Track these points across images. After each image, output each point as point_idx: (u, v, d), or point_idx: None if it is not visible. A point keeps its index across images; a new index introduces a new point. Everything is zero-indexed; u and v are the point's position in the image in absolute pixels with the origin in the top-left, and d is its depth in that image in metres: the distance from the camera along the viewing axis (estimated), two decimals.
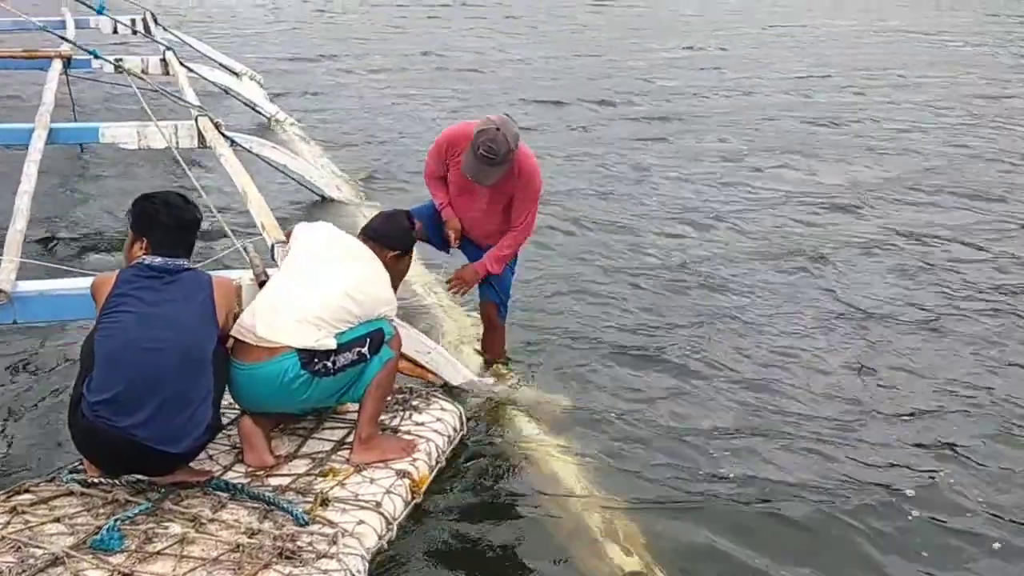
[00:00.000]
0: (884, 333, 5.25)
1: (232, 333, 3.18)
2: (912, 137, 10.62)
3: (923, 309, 5.64)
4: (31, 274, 3.66)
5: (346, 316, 3.22)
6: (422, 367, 3.94)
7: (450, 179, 4.23)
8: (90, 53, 7.33)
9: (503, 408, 4.14)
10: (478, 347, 4.68)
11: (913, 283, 6.06)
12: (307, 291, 3.23)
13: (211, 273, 3.23)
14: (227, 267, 3.85)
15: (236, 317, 3.23)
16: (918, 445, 4.07)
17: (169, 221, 3.09)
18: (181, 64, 8.91)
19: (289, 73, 13.42)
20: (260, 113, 9.86)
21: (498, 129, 3.81)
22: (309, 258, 3.37)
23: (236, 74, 11.73)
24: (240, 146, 6.47)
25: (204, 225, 3.44)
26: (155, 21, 11.29)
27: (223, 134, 6.20)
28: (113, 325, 2.92)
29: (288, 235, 3.68)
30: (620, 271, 6.09)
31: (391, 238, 3.55)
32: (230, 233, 4.06)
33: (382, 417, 3.40)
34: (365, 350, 3.22)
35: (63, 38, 7.91)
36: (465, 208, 4.24)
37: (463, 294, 4.39)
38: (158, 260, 3.03)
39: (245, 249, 3.71)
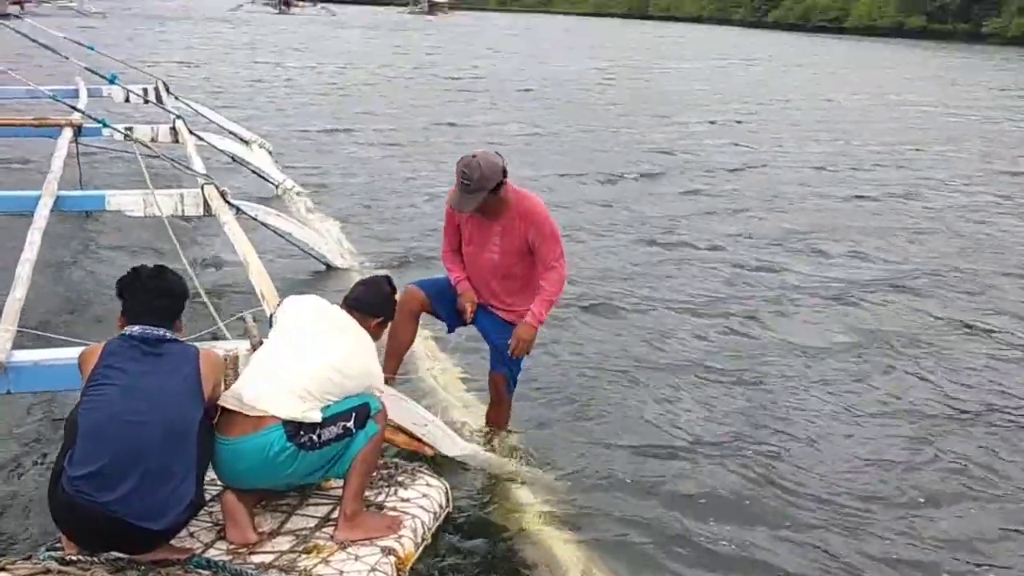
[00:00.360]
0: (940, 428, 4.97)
1: (219, 402, 3.12)
2: (946, 216, 10.59)
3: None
4: (28, 343, 3.62)
5: (332, 389, 3.16)
6: (418, 440, 3.85)
7: (464, 239, 4.23)
8: (99, 122, 7.40)
9: (501, 481, 4.04)
10: (481, 418, 4.58)
11: (976, 379, 5.71)
12: (294, 363, 3.18)
13: (198, 345, 3.19)
14: (225, 337, 3.82)
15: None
16: None
17: (143, 291, 3.05)
18: (190, 132, 9.00)
19: (300, 142, 13.63)
20: (268, 181, 9.92)
21: (474, 156, 3.92)
22: (297, 330, 3.32)
23: (246, 142, 11.88)
24: (245, 214, 6.50)
25: (199, 294, 3.40)
26: (167, 90, 11.51)
27: (228, 202, 6.23)
28: (97, 398, 2.86)
29: (279, 306, 3.64)
30: (639, 355, 5.83)
31: (373, 305, 3.49)
32: (208, 306, 4.01)
33: (367, 493, 3.31)
34: (351, 424, 3.15)
35: (72, 107, 8.00)
36: (480, 265, 4.21)
37: (527, 354, 4.25)
38: (137, 329, 2.99)
39: (243, 319, 3.67)
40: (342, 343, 3.27)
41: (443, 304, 4.31)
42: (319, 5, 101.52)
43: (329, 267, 7.15)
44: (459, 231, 4.27)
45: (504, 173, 3.95)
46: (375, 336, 3.46)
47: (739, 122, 18.38)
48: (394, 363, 4.30)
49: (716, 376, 5.50)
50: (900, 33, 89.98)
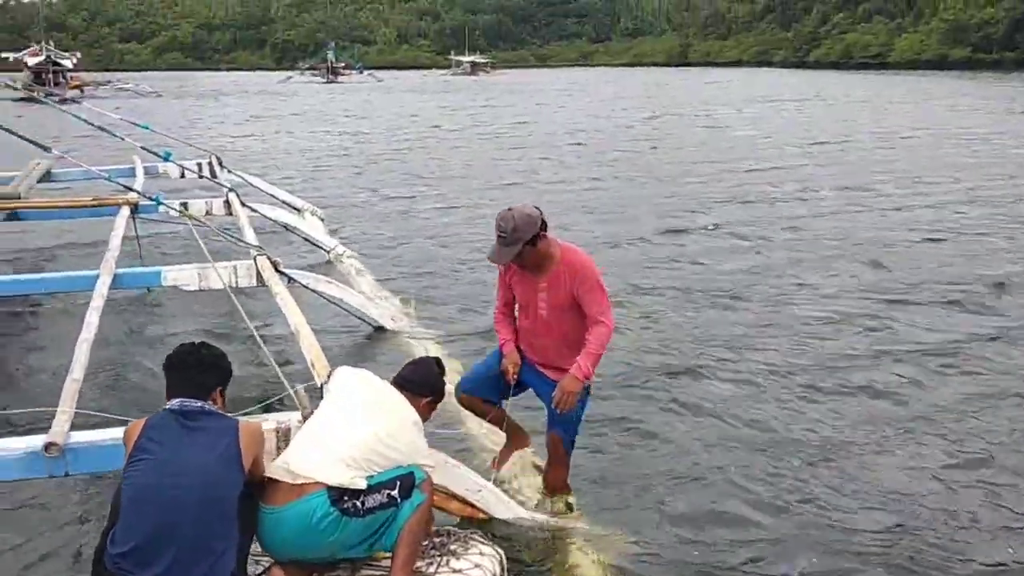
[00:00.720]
0: None
1: (267, 472, 3.12)
2: None
3: None
4: (86, 423, 3.66)
5: (379, 460, 3.16)
6: (472, 505, 3.79)
7: (516, 297, 4.24)
8: (153, 200, 7.60)
9: (559, 546, 3.94)
10: (538, 479, 4.49)
11: None
12: (343, 432, 3.20)
13: (243, 418, 3.20)
14: (277, 408, 3.83)
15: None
16: None
17: (181, 366, 3.13)
18: (243, 204, 9.18)
19: (352, 207, 13.86)
20: (319, 247, 10.10)
21: (509, 209, 3.97)
22: (348, 401, 3.35)
23: (298, 210, 12.15)
24: (297, 282, 6.59)
25: (253, 366, 3.41)
26: (220, 163, 11.81)
27: (281, 271, 6.32)
28: (135, 474, 2.90)
29: (330, 376, 3.66)
30: (707, 421, 5.51)
31: (422, 385, 3.55)
32: (267, 373, 4.03)
33: (418, 563, 3.25)
34: (395, 493, 3.14)
35: (127, 187, 8.22)
36: (530, 322, 4.19)
37: (571, 409, 4.11)
38: (176, 403, 3.05)
39: (294, 390, 3.69)
40: (392, 417, 3.29)
41: (486, 388, 4.32)
42: (365, 72, 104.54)
43: (381, 330, 7.18)
44: (510, 288, 4.27)
45: (543, 226, 3.95)
46: (424, 416, 3.47)
47: (801, 165, 18.03)
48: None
49: (790, 447, 5.12)
50: (944, 65, 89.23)
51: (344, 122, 33.31)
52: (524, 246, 3.92)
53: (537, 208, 4.01)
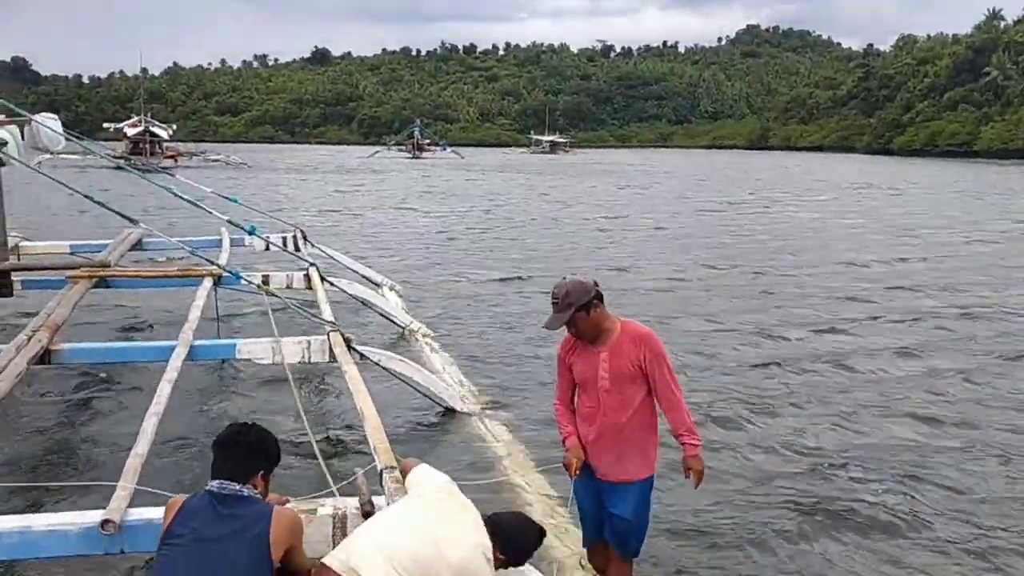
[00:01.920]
0: None
1: (324, 560, 3.02)
2: None
3: None
4: (146, 500, 3.63)
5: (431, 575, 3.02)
6: None
7: (576, 379, 4.14)
8: (233, 274, 7.76)
9: None
10: None
11: None
12: (407, 538, 3.06)
13: (275, 505, 3.12)
14: (334, 493, 3.76)
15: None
16: None
17: (225, 446, 3.12)
18: (322, 279, 9.32)
19: (430, 284, 13.95)
20: (395, 323, 10.17)
21: (565, 278, 4.07)
22: (423, 509, 3.20)
23: (377, 285, 12.34)
24: (369, 359, 6.59)
25: (317, 445, 3.33)
26: (304, 237, 12.07)
27: (353, 348, 6.34)
28: (163, 560, 2.89)
29: (404, 468, 3.54)
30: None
31: (510, 544, 3.27)
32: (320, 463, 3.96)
33: None
34: None
35: (209, 260, 8.41)
36: (590, 403, 4.07)
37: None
38: (215, 485, 3.02)
39: (354, 477, 3.62)
40: (461, 545, 3.10)
41: (594, 529, 4.24)
42: (449, 149, 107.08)
43: (451, 411, 7.10)
44: (569, 370, 4.18)
45: (597, 296, 3.98)
46: (494, 563, 3.22)
47: (904, 259, 17.12)
48: None
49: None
50: None
51: (428, 199, 33.95)
52: (576, 312, 3.94)
53: (593, 280, 4.04)
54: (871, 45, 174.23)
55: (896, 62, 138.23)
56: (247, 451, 3.11)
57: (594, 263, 16.18)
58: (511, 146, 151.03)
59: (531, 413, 7.21)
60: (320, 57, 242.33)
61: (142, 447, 4.05)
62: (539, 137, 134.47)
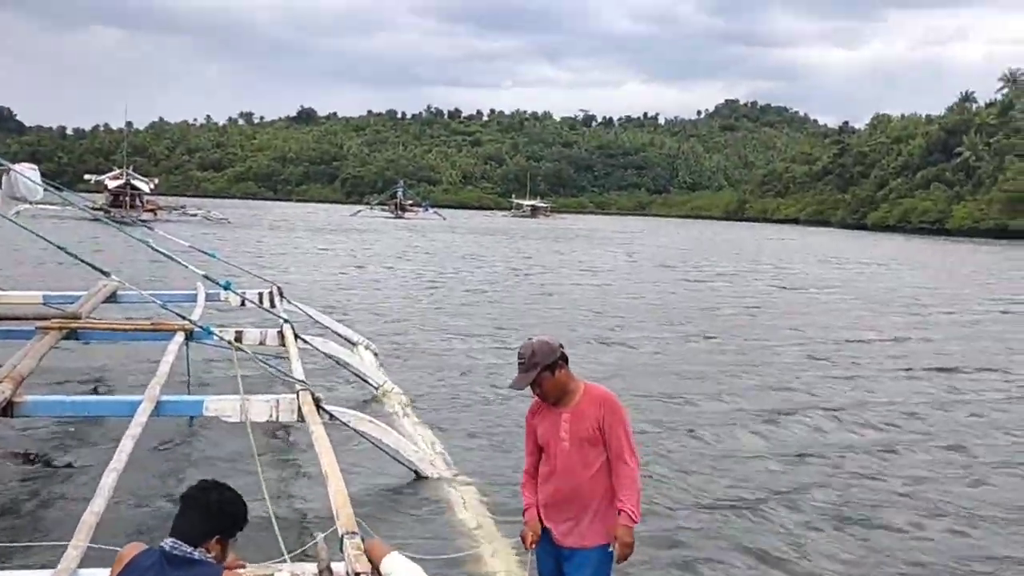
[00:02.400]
0: None
1: None
2: None
3: None
4: (100, 559, 3.53)
5: None
6: None
7: (540, 442, 4.12)
8: (203, 329, 7.69)
9: None
10: None
11: None
12: None
13: (225, 571, 3.03)
14: (286, 559, 3.69)
15: None
16: None
17: (186, 500, 3.05)
18: (296, 337, 9.26)
19: (407, 344, 13.87)
20: (368, 384, 10.09)
21: (530, 339, 4.10)
22: None
23: (353, 344, 12.25)
24: (339, 420, 6.52)
25: (280, 507, 3.26)
26: (280, 294, 12.02)
27: (322, 408, 6.27)
28: None
29: (372, 552, 3.51)
30: None
31: None
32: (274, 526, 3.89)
33: None
34: None
35: (182, 315, 8.34)
36: (551, 465, 4.03)
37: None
38: (168, 543, 2.94)
39: (315, 541, 3.56)
40: None
41: None
42: (431, 210, 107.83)
43: (419, 475, 7.00)
44: (535, 434, 4.16)
45: (562, 357, 4.01)
46: None
47: (898, 339, 16.58)
48: None
49: None
50: (1005, 235, 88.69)
51: (409, 259, 34.00)
52: (541, 372, 3.97)
53: (559, 343, 4.08)
54: (846, 123, 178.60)
55: (871, 140, 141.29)
56: (207, 511, 3.03)
57: (571, 327, 16.20)
58: (492, 209, 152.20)
59: (503, 480, 7.10)
60: (306, 116, 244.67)
61: (98, 504, 3.96)
62: (520, 201, 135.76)
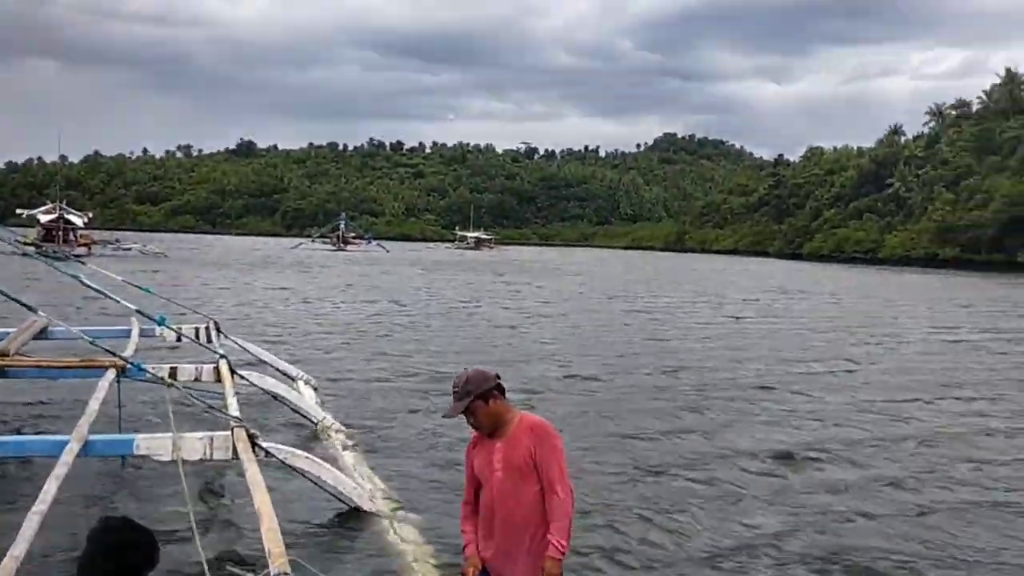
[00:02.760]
0: None
1: None
2: None
3: None
4: None
5: None
6: None
7: (477, 474, 4.10)
8: (133, 365, 7.52)
9: None
10: None
11: None
12: None
13: None
14: None
15: None
16: None
17: (91, 540, 2.84)
18: (232, 372, 9.10)
19: (347, 379, 13.66)
20: (307, 419, 9.95)
21: (466, 369, 4.15)
22: None
23: (292, 378, 12.07)
24: (275, 457, 6.40)
25: (210, 547, 3.17)
26: (217, 329, 11.81)
27: (258, 445, 6.15)
28: None
29: None
30: None
31: None
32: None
33: None
34: None
35: (111, 352, 8.15)
36: (487, 496, 4.01)
37: None
38: None
39: None
40: None
41: None
42: (374, 243, 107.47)
43: (358, 511, 6.90)
44: (472, 467, 4.14)
45: (497, 387, 4.00)
46: None
47: (850, 370, 16.43)
48: None
49: None
50: (934, 263, 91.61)
51: (352, 292, 33.71)
52: (474, 400, 3.95)
53: (496, 373, 4.08)
54: (781, 155, 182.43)
55: (805, 172, 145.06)
56: (111, 552, 2.84)
57: (518, 359, 16.19)
58: (436, 241, 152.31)
59: (443, 514, 7.03)
60: (245, 149, 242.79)
61: (20, 548, 3.82)
62: (464, 233, 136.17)
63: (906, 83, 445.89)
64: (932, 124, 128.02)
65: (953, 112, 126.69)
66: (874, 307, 33.54)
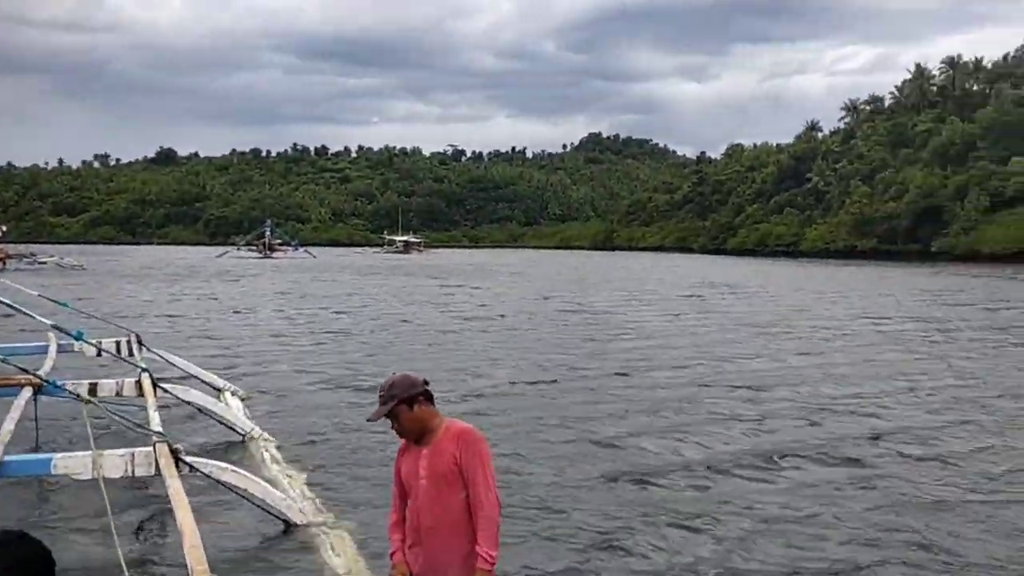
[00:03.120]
0: None
1: None
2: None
3: None
4: None
5: None
6: None
7: (404, 482, 4.04)
8: (49, 383, 7.30)
9: None
10: None
11: None
12: None
13: None
14: None
15: None
16: None
17: None
18: (155, 386, 8.91)
19: (276, 388, 13.36)
20: (234, 430, 9.76)
21: (394, 373, 4.09)
22: None
23: (218, 390, 11.84)
24: (200, 471, 6.27)
25: (132, 569, 3.09)
26: (139, 342, 11.54)
27: (182, 460, 6.02)
28: None
29: None
30: None
31: None
32: None
33: None
34: None
35: (23, 369, 7.90)
36: (413, 504, 3.95)
37: None
38: None
39: None
40: None
41: None
42: (301, 249, 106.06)
43: (289, 523, 6.79)
44: (399, 474, 4.08)
45: (424, 393, 3.93)
46: None
47: (793, 366, 16.39)
48: None
49: None
50: (853, 255, 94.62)
51: (280, 301, 33.09)
52: (398, 404, 3.88)
53: (424, 379, 4.01)
54: (703, 153, 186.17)
55: (727, 169, 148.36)
56: (8, 566, 2.74)
57: (450, 364, 16.01)
58: (364, 246, 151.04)
59: (376, 523, 6.94)
60: (165, 157, 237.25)
61: None
62: (392, 237, 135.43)
63: (821, 80, 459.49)
64: (847, 119, 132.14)
65: (867, 107, 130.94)
66: (807, 300, 34.18)
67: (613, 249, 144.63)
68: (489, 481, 3.91)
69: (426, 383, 3.99)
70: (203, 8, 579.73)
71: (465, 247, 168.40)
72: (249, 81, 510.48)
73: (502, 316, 26.43)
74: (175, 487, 5.25)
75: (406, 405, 3.91)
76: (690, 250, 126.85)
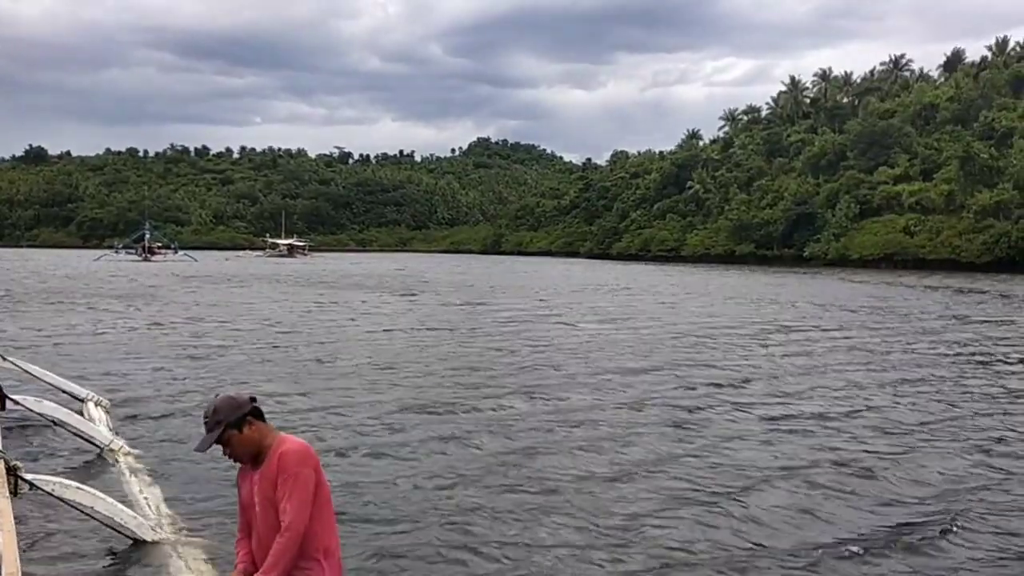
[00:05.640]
0: None
1: None
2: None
3: None
4: None
5: None
6: None
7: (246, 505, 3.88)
8: None
9: None
10: None
11: None
12: None
13: None
14: None
15: None
16: None
17: None
18: (5, 397, 8.40)
19: (144, 398, 12.76)
20: (90, 442, 9.29)
21: (216, 395, 3.84)
22: None
23: (80, 399, 11.26)
24: (41, 489, 5.90)
25: None
26: None
27: (21, 478, 5.64)
28: None
29: None
30: None
31: None
32: None
33: None
34: None
35: None
36: (255, 529, 3.80)
37: None
38: None
39: None
40: None
41: None
42: (181, 252, 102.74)
43: (140, 542, 6.46)
44: (241, 501, 3.92)
45: (253, 412, 3.73)
46: None
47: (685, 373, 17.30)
48: None
49: None
50: (732, 259, 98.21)
51: (151, 307, 31.62)
52: (227, 430, 3.68)
53: (250, 396, 3.79)
54: (589, 159, 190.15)
55: (612, 175, 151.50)
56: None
57: (344, 381, 15.09)
58: (247, 249, 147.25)
59: (233, 540, 6.73)
60: (35, 156, 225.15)
61: None
62: (276, 240, 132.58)
63: (701, 90, 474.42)
64: (726, 129, 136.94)
65: (745, 117, 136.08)
66: (700, 305, 34.89)
67: (501, 253, 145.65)
68: (297, 509, 3.65)
69: (253, 400, 3.79)
70: (72, 2, 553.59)
71: (352, 251, 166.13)
72: (121, 78, 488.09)
73: (399, 329, 26.06)
74: (2, 507, 4.91)
75: (235, 429, 3.70)
76: (577, 254, 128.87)
